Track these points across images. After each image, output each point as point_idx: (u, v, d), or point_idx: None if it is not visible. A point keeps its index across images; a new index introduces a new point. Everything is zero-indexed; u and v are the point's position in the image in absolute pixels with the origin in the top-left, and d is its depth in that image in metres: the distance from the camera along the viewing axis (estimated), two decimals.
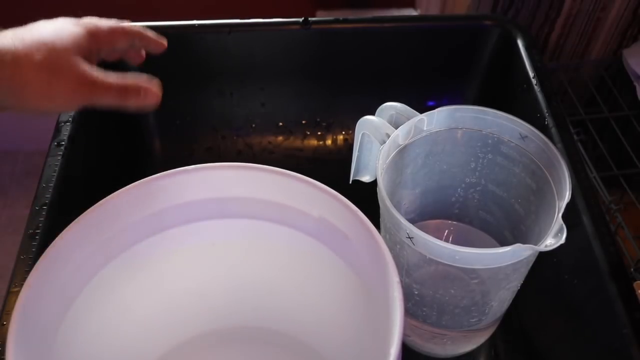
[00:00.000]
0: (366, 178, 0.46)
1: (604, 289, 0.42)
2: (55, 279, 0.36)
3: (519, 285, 0.44)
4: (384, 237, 0.40)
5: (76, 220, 0.37)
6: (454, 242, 0.38)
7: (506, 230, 0.49)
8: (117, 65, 0.45)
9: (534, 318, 0.52)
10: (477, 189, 0.49)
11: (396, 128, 0.43)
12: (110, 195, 0.38)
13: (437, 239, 0.38)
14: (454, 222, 0.52)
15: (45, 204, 0.47)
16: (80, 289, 0.38)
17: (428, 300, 0.45)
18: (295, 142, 0.67)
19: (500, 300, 0.45)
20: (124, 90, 0.39)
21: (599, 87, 0.79)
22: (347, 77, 0.65)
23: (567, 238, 0.36)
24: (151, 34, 0.46)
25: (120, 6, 1.00)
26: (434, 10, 0.88)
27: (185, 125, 0.66)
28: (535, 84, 0.56)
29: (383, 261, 0.34)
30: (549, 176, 0.42)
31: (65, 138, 0.52)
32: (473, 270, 0.41)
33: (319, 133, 0.68)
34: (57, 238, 0.36)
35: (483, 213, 0.50)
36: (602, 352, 0.43)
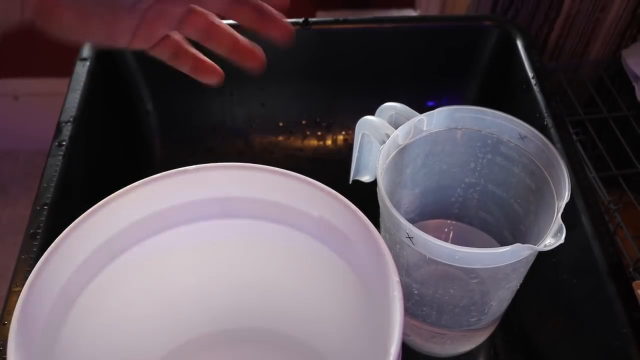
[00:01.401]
0: (366, 178, 0.46)
1: (603, 289, 0.43)
2: (56, 279, 0.36)
3: (519, 285, 0.44)
4: (384, 237, 0.40)
5: (77, 220, 0.37)
6: (454, 242, 0.38)
7: (505, 230, 0.49)
8: None
9: (534, 318, 0.52)
10: (477, 189, 0.49)
11: (396, 128, 0.43)
12: (110, 196, 0.38)
13: (436, 239, 0.38)
14: (454, 222, 0.52)
15: (46, 204, 0.47)
16: (82, 289, 0.39)
17: (428, 300, 0.45)
18: (295, 142, 0.68)
19: (500, 299, 0.45)
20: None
21: (598, 88, 0.79)
22: (347, 78, 0.65)
23: (566, 238, 0.37)
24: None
25: None
26: (433, 10, 0.88)
27: (185, 125, 0.66)
28: (535, 84, 0.56)
29: (383, 261, 0.34)
30: (548, 176, 0.42)
31: (66, 138, 0.52)
32: (472, 270, 0.42)
33: (319, 133, 0.68)
34: (58, 238, 0.36)
35: (482, 213, 0.50)
36: (601, 351, 0.43)
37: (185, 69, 0.38)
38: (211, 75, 0.38)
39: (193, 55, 0.37)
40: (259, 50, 0.37)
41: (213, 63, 0.38)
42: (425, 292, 0.44)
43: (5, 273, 0.46)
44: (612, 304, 0.42)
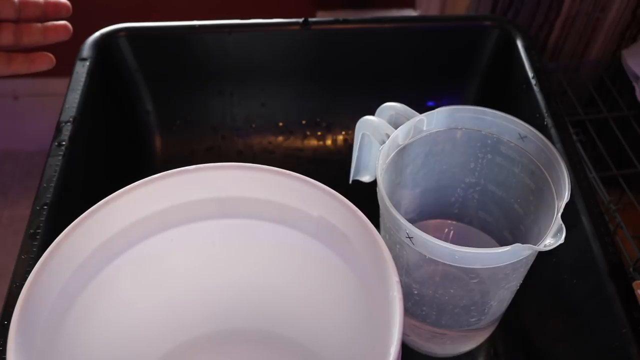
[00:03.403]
0: (366, 178, 0.46)
1: (603, 289, 0.43)
2: (55, 279, 0.36)
3: (519, 285, 0.44)
4: (384, 237, 0.40)
5: (77, 220, 0.37)
6: (454, 242, 0.38)
7: (505, 230, 0.49)
8: None
9: (533, 318, 0.52)
10: (477, 189, 0.49)
11: (396, 128, 0.43)
12: (110, 196, 0.38)
13: (436, 239, 0.38)
14: (454, 222, 0.52)
15: (46, 204, 0.47)
16: (81, 289, 0.39)
17: (427, 300, 0.45)
18: (295, 142, 0.68)
19: (500, 299, 0.45)
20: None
21: (598, 88, 0.80)
22: (347, 78, 0.65)
23: (566, 238, 0.37)
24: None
25: (120, 6, 1.00)
26: (433, 10, 0.88)
27: (185, 125, 0.66)
28: (535, 85, 0.56)
29: (383, 261, 0.34)
30: (548, 176, 0.42)
31: (65, 138, 0.52)
32: (472, 270, 0.42)
33: (319, 133, 0.68)
34: (57, 238, 0.36)
35: (482, 213, 0.50)
36: (601, 351, 0.43)
37: (22, 69, 0.40)
38: (44, 60, 0.40)
39: (22, 55, 0.39)
40: (64, 24, 0.40)
41: (39, 52, 0.40)
42: (425, 292, 0.44)
43: (5, 273, 0.46)
44: (612, 304, 0.42)
